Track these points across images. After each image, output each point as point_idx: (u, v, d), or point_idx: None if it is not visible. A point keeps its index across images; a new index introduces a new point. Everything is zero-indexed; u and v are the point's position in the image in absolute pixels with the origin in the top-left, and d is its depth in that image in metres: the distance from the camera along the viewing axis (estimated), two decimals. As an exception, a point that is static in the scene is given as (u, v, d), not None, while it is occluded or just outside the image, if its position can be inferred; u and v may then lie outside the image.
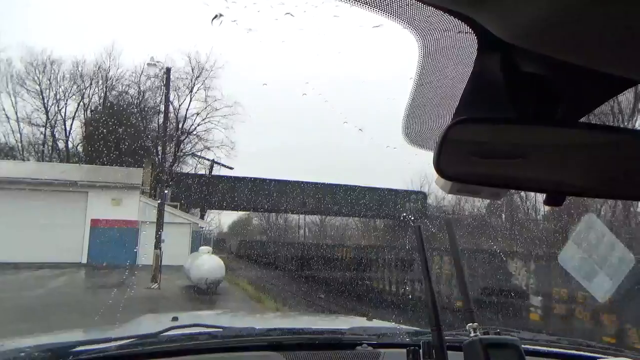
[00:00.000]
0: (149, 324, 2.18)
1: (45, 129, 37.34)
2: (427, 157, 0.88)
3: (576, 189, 0.78)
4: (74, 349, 1.46)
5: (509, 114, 0.76)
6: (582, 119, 0.79)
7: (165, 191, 20.53)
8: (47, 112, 36.93)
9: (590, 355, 1.83)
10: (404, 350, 1.18)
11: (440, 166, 0.72)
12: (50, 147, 38.03)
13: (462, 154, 0.73)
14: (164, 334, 1.60)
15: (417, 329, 2.01)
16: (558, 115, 0.76)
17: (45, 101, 36.81)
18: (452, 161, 0.72)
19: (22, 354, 1.40)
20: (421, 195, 33.87)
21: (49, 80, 36.87)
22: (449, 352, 1.13)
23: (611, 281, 2.06)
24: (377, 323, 2.35)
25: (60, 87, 37.27)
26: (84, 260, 22.18)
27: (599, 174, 0.74)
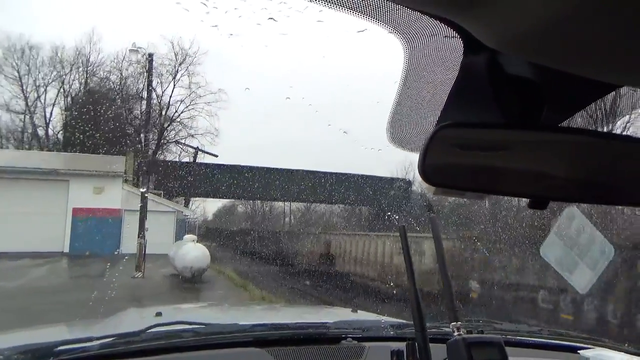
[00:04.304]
0: (132, 321, 2.16)
1: (25, 116, 36.53)
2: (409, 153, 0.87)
3: (560, 194, 0.78)
4: (54, 349, 1.44)
5: (494, 118, 0.75)
6: (568, 123, 0.79)
7: (149, 179, 20.31)
8: (26, 99, 36.11)
9: (571, 345, 1.86)
10: (389, 344, 1.19)
11: (425, 172, 0.71)
12: (30, 135, 37.25)
13: (447, 159, 0.72)
14: (147, 331, 1.58)
15: (401, 321, 2.03)
16: (542, 119, 0.76)
17: (24, 87, 35.96)
18: (437, 166, 0.72)
19: (1, 357, 1.37)
20: (405, 183, 34.05)
21: (28, 66, 36.00)
22: (433, 346, 1.14)
23: (592, 272, 2.10)
24: (362, 315, 2.36)
25: (39, 73, 36.42)
26: (66, 250, 21.91)
27: (583, 178, 0.74)
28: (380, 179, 32.97)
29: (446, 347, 1.08)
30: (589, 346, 1.83)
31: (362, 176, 31.94)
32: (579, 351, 1.76)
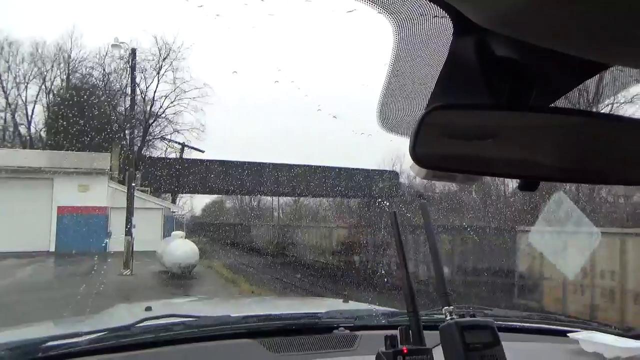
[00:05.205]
0: (122, 315, 2.14)
1: (6, 114, 35.97)
2: (400, 138, 0.87)
3: (550, 174, 0.78)
4: (43, 345, 1.42)
5: (485, 99, 0.75)
6: (559, 103, 0.79)
7: (135, 175, 20.12)
8: (6, 96, 35.52)
9: (560, 329, 1.89)
10: (381, 332, 1.19)
11: (416, 154, 0.70)
12: (12, 133, 36.68)
13: (438, 141, 0.72)
14: (137, 325, 1.57)
15: (393, 309, 2.03)
16: (533, 100, 0.76)
17: (4, 85, 35.39)
18: (428, 149, 0.71)
19: None
20: (393, 174, 34.15)
21: (7, 62, 35.40)
22: (426, 333, 1.14)
23: (579, 257, 2.13)
24: (353, 305, 2.37)
25: (19, 69, 35.84)
26: (52, 249, 21.67)
27: (573, 158, 0.75)
28: (368, 171, 33.03)
29: (439, 331, 1.08)
30: (577, 329, 1.85)
31: (349, 169, 31.98)
32: (568, 334, 1.78)
